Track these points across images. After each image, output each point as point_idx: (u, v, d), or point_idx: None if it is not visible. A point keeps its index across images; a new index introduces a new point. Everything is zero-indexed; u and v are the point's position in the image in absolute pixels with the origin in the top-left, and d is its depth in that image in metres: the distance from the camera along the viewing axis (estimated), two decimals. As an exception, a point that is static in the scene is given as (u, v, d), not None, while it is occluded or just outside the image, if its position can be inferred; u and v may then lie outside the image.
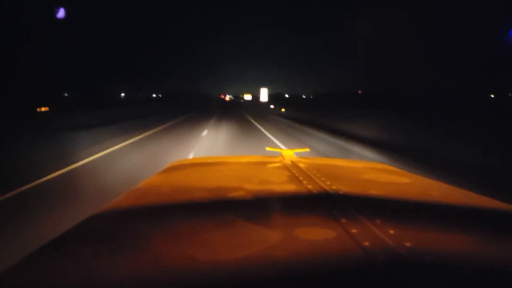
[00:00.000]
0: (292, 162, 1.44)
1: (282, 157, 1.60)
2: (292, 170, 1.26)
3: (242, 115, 25.08)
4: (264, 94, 49.45)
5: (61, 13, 9.75)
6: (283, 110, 26.28)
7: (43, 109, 17.44)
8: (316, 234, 0.68)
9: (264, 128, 14.70)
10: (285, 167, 1.36)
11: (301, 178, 1.13)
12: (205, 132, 12.96)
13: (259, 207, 0.91)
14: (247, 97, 72.60)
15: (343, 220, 0.72)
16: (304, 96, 75.59)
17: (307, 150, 2.49)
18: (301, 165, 1.36)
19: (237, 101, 76.33)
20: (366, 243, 0.60)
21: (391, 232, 0.65)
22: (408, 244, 0.60)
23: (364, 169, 1.60)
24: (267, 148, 2.52)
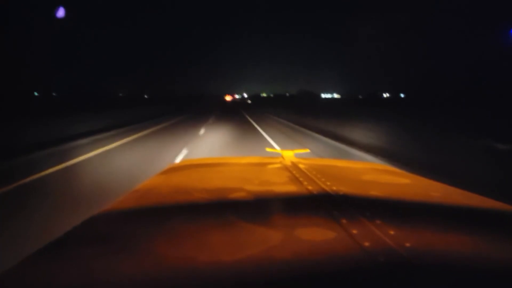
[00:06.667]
0: (292, 163, 1.45)
1: (282, 158, 1.60)
2: (293, 171, 1.27)
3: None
4: (237, 96, 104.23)
5: (61, 13, 9.76)
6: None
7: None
8: (316, 235, 0.68)
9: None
10: (285, 168, 1.36)
11: (301, 179, 1.13)
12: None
13: (260, 208, 0.91)
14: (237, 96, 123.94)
15: (344, 221, 0.72)
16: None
17: (307, 151, 2.49)
18: (301, 166, 1.36)
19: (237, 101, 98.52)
20: (367, 244, 0.60)
21: (391, 232, 0.65)
22: (408, 245, 0.60)
23: (364, 169, 1.60)
24: (267, 149, 2.53)
